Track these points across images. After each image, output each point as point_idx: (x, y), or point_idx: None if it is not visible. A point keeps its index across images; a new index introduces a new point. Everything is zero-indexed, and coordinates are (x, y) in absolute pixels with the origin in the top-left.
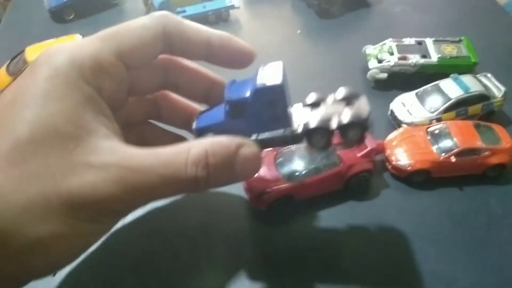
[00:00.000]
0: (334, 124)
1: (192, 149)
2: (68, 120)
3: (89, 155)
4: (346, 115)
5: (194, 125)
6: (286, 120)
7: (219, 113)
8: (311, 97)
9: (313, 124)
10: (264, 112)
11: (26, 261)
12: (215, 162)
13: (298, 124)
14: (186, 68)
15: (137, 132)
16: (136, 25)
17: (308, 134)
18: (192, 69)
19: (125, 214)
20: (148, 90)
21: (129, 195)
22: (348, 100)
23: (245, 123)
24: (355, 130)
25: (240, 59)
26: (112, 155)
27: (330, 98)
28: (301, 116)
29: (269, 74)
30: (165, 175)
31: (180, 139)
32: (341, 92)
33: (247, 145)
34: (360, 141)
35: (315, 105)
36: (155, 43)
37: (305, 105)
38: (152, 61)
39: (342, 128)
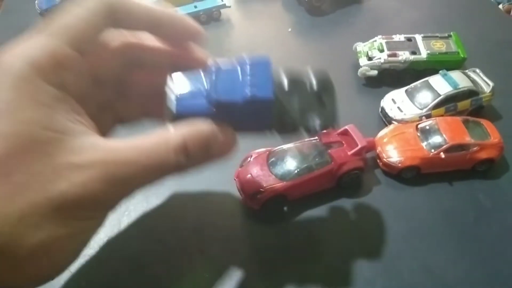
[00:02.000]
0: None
1: (171, 140)
2: (42, 126)
3: (72, 156)
4: (317, 122)
5: (173, 108)
6: (268, 125)
7: (199, 97)
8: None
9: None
10: (249, 116)
11: (31, 268)
12: (194, 149)
13: None
14: (146, 47)
15: (112, 113)
16: (79, 9)
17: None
18: (154, 47)
19: (115, 206)
20: (110, 77)
21: (118, 188)
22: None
23: (227, 119)
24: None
25: (189, 36)
26: (95, 151)
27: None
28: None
29: (259, 78)
30: (149, 165)
31: (156, 111)
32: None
33: (224, 132)
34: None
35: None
36: (102, 23)
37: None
38: (109, 45)
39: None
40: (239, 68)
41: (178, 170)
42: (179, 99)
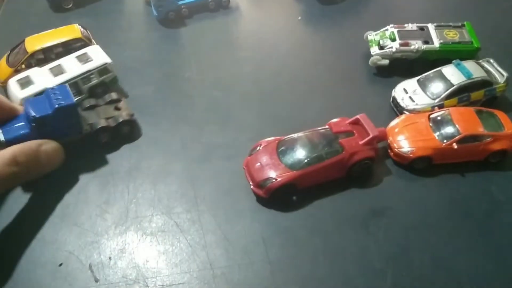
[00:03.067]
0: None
1: (4, 154)
2: None
3: None
4: (118, 117)
5: (1, 137)
6: (78, 127)
7: (23, 125)
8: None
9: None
10: (62, 122)
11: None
12: (24, 159)
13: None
14: None
15: None
16: None
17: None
18: None
19: None
20: None
21: None
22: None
23: (48, 130)
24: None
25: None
26: None
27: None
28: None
29: (62, 95)
30: None
31: None
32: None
33: (47, 143)
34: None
35: (91, 107)
36: None
37: (83, 108)
38: None
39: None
40: (46, 96)
41: (15, 178)
42: (3, 129)
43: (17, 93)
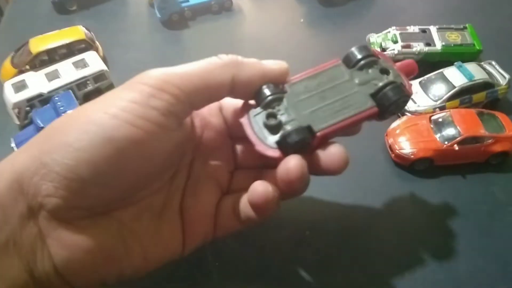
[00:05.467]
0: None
1: None
2: None
3: None
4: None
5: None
6: None
7: (30, 137)
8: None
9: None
10: None
11: None
12: None
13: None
14: None
15: None
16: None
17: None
18: None
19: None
20: None
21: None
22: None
23: None
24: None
25: None
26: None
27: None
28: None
29: (65, 102)
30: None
31: None
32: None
33: None
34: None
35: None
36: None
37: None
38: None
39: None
40: (52, 104)
41: None
42: (17, 141)
43: (10, 96)
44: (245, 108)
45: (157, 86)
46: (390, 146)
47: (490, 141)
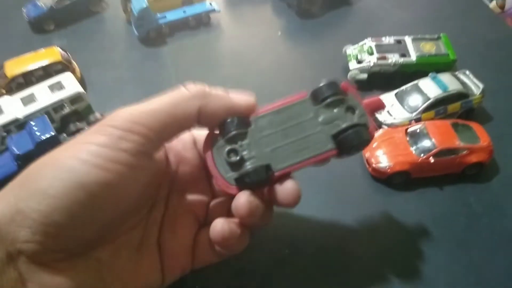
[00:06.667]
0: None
1: None
2: None
3: None
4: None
5: None
6: None
7: (10, 164)
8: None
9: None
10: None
11: None
12: None
13: None
14: None
15: None
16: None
17: None
18: None
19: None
20: None
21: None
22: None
23: None
24: None
25: None
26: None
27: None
28: None
29: (41, 127)
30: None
31: None
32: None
33: None
34: None
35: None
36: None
37: (69, 133)
38: None
39: None
40: (28, 130)
41: None
42: None
43: None
44: (210, 139)
45: (126, 128)
46: (367, 160)
47: (465, 152)
